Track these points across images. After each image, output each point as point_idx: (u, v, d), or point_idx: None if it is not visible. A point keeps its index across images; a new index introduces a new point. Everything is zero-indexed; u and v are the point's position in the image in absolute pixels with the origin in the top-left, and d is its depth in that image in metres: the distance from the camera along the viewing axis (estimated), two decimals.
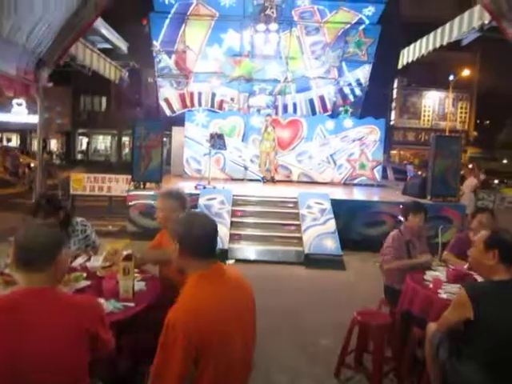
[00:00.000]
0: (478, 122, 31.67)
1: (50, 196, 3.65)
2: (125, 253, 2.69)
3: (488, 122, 32.67)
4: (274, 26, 11.74)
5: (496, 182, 17.70)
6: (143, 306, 2.44)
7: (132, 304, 2.44)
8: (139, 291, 2.63)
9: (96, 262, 3.14)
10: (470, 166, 14.27)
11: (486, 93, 27.45)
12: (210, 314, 1.76)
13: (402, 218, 4.01)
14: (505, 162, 28.84)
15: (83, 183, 9.79)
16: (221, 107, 13.79)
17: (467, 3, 7.21)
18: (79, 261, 3.22)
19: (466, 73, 26.16)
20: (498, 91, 25.82)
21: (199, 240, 1.88)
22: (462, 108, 30.70)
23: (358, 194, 10.52)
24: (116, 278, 2.59)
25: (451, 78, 26.86)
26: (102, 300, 2.39)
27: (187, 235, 1.88)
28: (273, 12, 11.53)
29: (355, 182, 11.91)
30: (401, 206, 4.27)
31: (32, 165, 16.54)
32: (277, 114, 13.28)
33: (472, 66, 27.55)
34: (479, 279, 3.16)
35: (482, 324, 2.20)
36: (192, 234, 1.87)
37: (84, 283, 2.73)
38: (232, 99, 13.81)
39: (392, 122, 30.14)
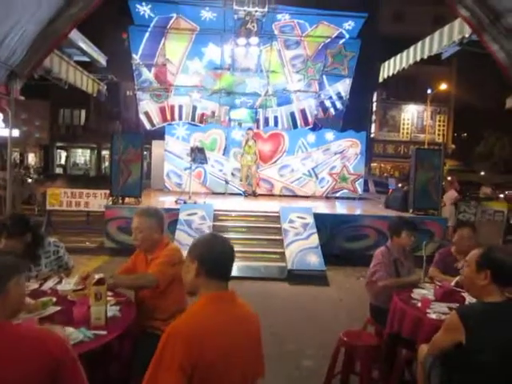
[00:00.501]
0: (456, 134, 32.30)
1: (18, 216, 3.41)
2: (97, 276, 2.50)
3: (465, 134, 33.36)
4: (254, 40, 11.75)
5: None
6: (116, 335, 2.27)
7: (104, 332, 2.27)
8: (113, 317, 2.46)
9: (67, 284, 2.94)
10: (449, 178, 14.38)
11: (464, 106, 28.05)
12: (214, 333, 1.69)
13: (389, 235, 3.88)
14: (482, 173, 29.34)
15: (60, 198, 9.53)
16: (201, 121, 13.67)
17: (446, 18, 7.27)
18: (49, 284, 3.03)
19: (443, 86, 26.68)
20: (474, 104, 26.37)
21: (220, 260, 1.86)
22: (440, 121, 31.30)
23: (341, 208, 10.47)
24: (88, 304, 2.42)
25: (429, 91, 27.36)
26: (70, 329, 2.22)
27: (208, 254, 1.85)
28: (253, 26, 11.53)
29: (337, 195, 11.87)
30: (389, 222, 4.12)
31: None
32: (258, 127, 13.20)
33: (449, 80, 28.14)
34: (467, 296, 3.09)
35: (473, 347, 2.10)
36: (213, 254, 1.85)
37: (53, 309, 2.54)
38: (213, 112, 13.70)
39: (372, 135, 30.50)
